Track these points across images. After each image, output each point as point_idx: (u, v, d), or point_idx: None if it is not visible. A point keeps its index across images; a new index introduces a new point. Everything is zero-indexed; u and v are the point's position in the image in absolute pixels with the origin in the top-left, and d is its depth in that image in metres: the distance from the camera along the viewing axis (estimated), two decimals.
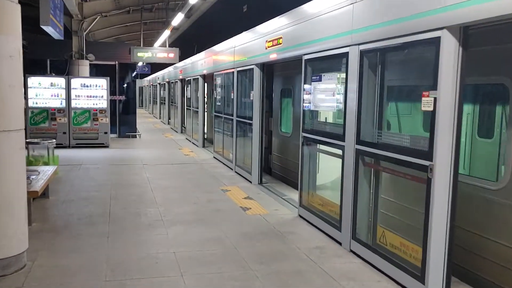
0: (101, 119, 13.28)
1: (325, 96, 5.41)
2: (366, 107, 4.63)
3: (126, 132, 16.22)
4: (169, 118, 22.68)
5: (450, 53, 3.48)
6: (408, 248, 4.03)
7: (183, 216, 6.22)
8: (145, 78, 38.91)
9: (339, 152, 5.19)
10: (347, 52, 4.85)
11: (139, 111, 38.09)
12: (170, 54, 15.33)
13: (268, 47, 7.41)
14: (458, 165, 3.60)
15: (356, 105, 4.69)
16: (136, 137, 16.39)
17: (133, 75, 17.39)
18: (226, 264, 4.49)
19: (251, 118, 8.50)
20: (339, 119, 5.67)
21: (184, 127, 17.98)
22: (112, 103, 15.75)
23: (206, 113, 13.76)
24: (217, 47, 11.61)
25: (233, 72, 9.67)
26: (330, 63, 5.58)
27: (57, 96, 12.99)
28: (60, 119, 12.96)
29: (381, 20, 4.25)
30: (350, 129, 4.81)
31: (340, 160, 5.12)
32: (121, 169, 9.82)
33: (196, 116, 14.64)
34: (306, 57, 5.98)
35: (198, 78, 13.92)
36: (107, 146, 13.37)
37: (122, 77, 16.26)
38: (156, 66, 30.34)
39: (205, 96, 13.79)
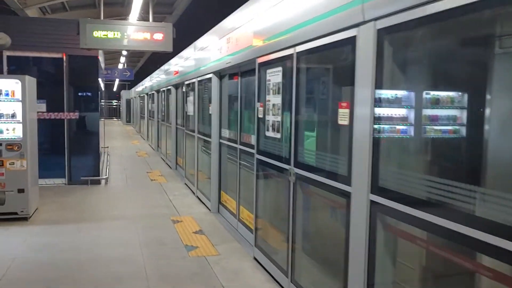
0: (12, 163, 6.40)
1: None
2: None
3: (82, 174, 9.34)
4: (158, 143, 15.76)
5: None
6: None
7: None
8: (133, 89, 32.28)
9: None
10: None
11: (126, 127, 31.22)
12: (157, 35, 7.82)
13: None
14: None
15: None
16: (100, 183, 9.50)
17: (99, 78, 10.43)
18: None
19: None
20: None
21: (181, 165, 11.02)
22: (56, 124, 8.98)
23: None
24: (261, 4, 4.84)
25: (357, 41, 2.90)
26: None
27: None
28: None
29: None
30: None
31: None
32: None
33: (205, 148, 7.82)
34: None
35: (210, 78, 7.13)
36: (25, 218, 6.45)
37: (77, 81, 9.38)
38: (142, 71, 23.33)
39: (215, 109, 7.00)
